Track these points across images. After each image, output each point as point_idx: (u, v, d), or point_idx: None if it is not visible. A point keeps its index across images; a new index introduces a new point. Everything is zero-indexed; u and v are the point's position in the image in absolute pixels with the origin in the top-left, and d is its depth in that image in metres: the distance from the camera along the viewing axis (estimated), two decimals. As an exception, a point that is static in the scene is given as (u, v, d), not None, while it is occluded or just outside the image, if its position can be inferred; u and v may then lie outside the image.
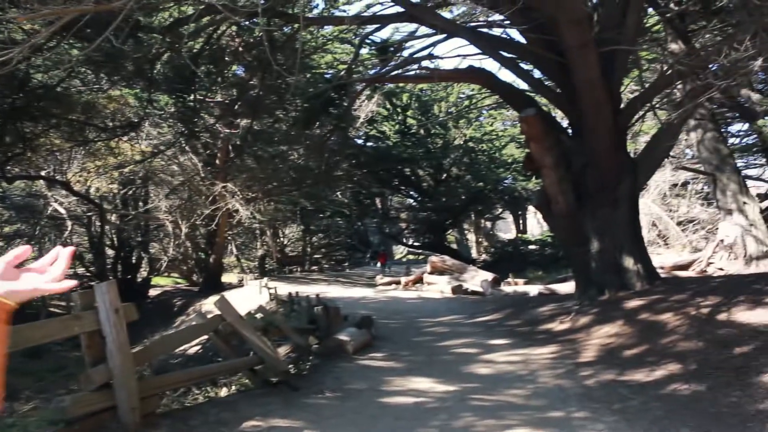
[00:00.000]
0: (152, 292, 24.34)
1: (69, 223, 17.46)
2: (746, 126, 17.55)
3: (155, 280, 26.47)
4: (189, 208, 19.96)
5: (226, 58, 13.43)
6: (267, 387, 7.02)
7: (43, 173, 16.76)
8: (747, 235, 14.65)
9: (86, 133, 14.72)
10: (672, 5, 10.49)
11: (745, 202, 14.73)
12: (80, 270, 23.00)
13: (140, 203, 21.87)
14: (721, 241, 15.70)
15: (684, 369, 6.46)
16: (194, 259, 23.75)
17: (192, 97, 13.24)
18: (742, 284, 8.78)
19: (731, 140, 18.53)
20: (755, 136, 14.05)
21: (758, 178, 20.77)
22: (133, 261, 23.47)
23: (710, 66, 8.42)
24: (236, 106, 14.45)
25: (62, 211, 16.93)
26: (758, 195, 17.74)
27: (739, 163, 17.91)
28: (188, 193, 20.28)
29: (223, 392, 7.40)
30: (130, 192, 21.42)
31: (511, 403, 6.16)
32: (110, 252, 22.76)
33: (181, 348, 9.67)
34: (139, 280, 23.73)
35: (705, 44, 10.38)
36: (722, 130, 16.98)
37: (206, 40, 12.67)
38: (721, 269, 15.48)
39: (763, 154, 16.35)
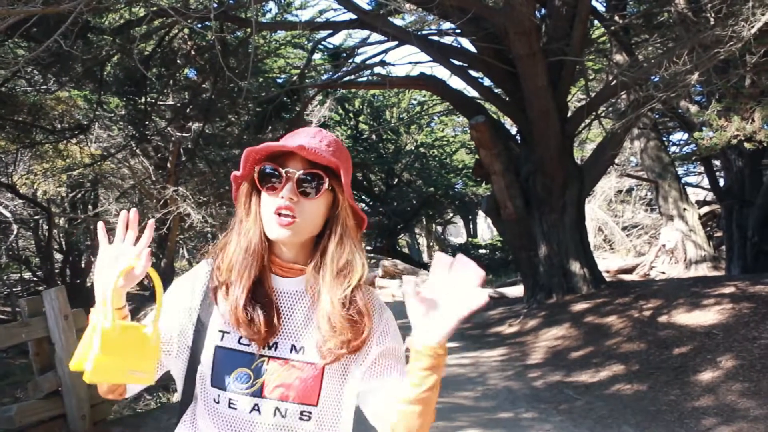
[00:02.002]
0: (100, 298, 23.83)
1: (15, 226, 16.96)
2: (686, 136, 18.19)
3: (103, 285, 25.90)
4: (140, 212, 19.58)
5: (178, 62, 13.29)
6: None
7: (-14, 175, 16.29)
8: (687, 240, 15.15)
9: (33, 135, 14.34)
10: (617, 18, 10.82)
11: (685, 209, 15.24)
12: (27, 275, 22.36)
13: (90, 207, 21.39)
14: (663, 245, 16.19)
15: (627, 369, 6.71)
16: (144, 263, 23.35)
17: (143, 99, 13.05)
18: (681, 287, 9.11)
19: (672, 149, 19.14)
20: (694, 145, 14.52)
21: (697, 186, 21.51)
22: (82, 265, 22.89)
23: (652, 78, 8.73)
24: (188, 110, 14.29)
25: (7, 214, 16.41)
26: (697, 202, 18.36)
27: (680, 171, 18.48)
28: (139, 197, 19.92)
29: (175, 398, 7.36)
30: (79, 195, 20.94)
31: (461, 405, 6.30)
32: (58, 256, 22.16)
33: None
34: (88, 284, 23.17)
35: (647, 57, 10.74)
36: (664, 139, 17.54)
37: (158, 42, 12.54)
38: (663, 273, 15.98)
39: (701, 163, 16.91)
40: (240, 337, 1.34)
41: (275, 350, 1.34)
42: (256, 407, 1.32)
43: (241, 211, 1.40)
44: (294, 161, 1.34)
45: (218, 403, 1.35)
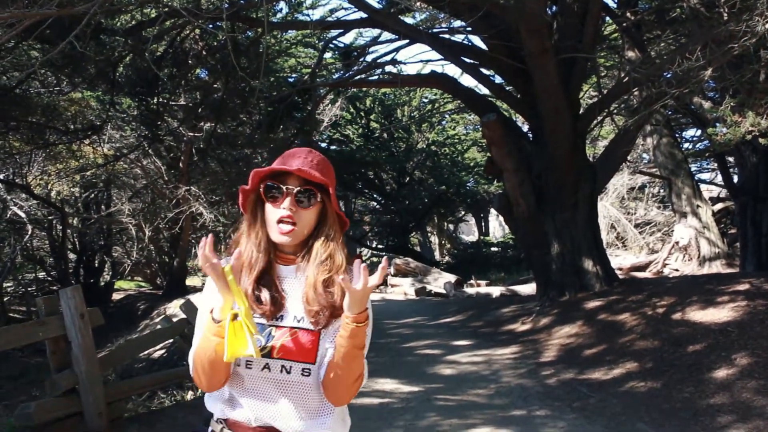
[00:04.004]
0: (115, 296, 23.96)
1: (29, 227, 17.08)
2: (699, 132, 18.08)
3: (118, 284, 26.04)
4: (152, 211, 19.72)
5: (190, 62, 13.34)
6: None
7: (1, 176, 16.40)
8: (700, 237, 15.07)
9: (47, 136, 14.45)
10: (628, 15, 10.76)
11: (698, 205, 15.15)
12: (41, 275, 22.53)
13: (102, 207, 21.51)
14: (677, 242, 16.11)
15: (640, 367, 6.69)
16: (158, 262, 23.45)
17: (155, 100, 13.12)
18: (695, 284, 9.06)
19: (685, 145, 19.01)
20: (707, 141, 14.45)
21: (710, 182, 21.39)
22: (96, 265, 23.05)
23: (664, 74, 8.68)
24: (200, 110, 14.35)
25: (22, 214, 16.55)
26: (711, 198, 18.25)
27: (693, 167, 18.40)
28: (151, 197, 20.04)
29: (189, 395, 7.41)
30: (92, 195, 21.08)
31: (474, 402, 6.30)
32: (72, 256, 22.32)
33: (146, 352, 9.61)
34: (102, 284, 23.33)
35: (660, 53, 10.68)
36: (677, 135, 17.45)
37: (169, 43, 12.59)
38: (676, 270, 15.90)
39: (714, 159, 16.81)
40: (254, 312, 1.67)
41: (281, 321, 1.70)
42: (266, 366, 1.67)
43: (250, 217, 1.78)
44: (292, 179, 1.73)
45: (238, 365, 1.69)
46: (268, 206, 1.73)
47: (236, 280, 1.61)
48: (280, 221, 1.70)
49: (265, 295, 1.70)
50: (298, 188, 1.71)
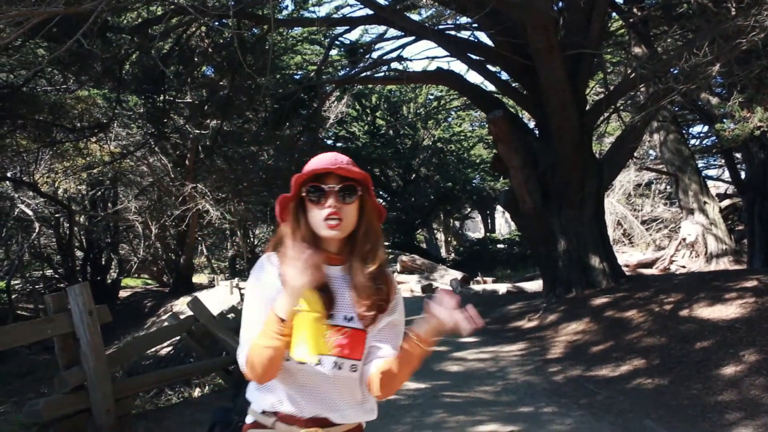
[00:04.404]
0: (122, 294, 24.07)
1: (36, 224, 17.17)
2: (706, 128, 18.00)
3: (125, 282, 26.17)
4: (159, 209, 19.80)
5: (196, 59, 13.37)
6: (241, 387, 7.06)
7: (9, 174, 16.48)
8: (707, 233, 15.01)
9: (53, 134, 14.50)
10: (635, 10, 10.71)
11: (705, 202, 15.09)
12: (48, 272, 22.64)
13: (109, 204, 21.61)
14: (683, 239, 16.06)
15: (648, 364, 6.67)
16: (164, 260, 23.55)
17: (161, 97, 13.15)
18: (702, 281, 9.03)
19: (692, 142, 18.95)
20: (714, 138, 14.41)
21: (718, 179, 21.28)
22: (103, 262, 23.17)
23: (671, 70, 8.64)
24: (206, 107, 14.37)
25: (29, 212, 16.64)
26: (718, 195, 18.18)
27: (700, 163, 18.33)
28: (158, 194, 20.11)
29: (196, 393, 7.43)
30: (99, 193, 21.17)
31: (481, 399, 6.30)
32: (79, 254, 22.42)
33: (152, 349, 9.64)
34: (109, 281, 23.45)
35: (667, 49, 10.63)
36: (684, 131, 17.37)
37: (175, 41, 12.61)
38: (683, 267, 15.85)
39: (721, 156, 16.74)
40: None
41: (332, 320, 1.78)
42: (320, 362, 1.74)
43: (293, 223, 1.84)
44: (331, 179, 1.79)
45: (288, 361, 1.73)
46: (312, 208, 1.80)
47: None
48: (326, 218, 1.77)
49: (318, 295, 1.77)
50: (340, 185, 1.79)
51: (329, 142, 26.31)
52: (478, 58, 12.25)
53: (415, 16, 14.12)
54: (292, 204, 1.86)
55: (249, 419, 1.88)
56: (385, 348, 1.86)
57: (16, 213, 17.23)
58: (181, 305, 17.09)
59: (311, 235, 1.82)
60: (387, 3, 12.83)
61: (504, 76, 13.35)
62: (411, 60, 24.77)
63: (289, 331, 1.67)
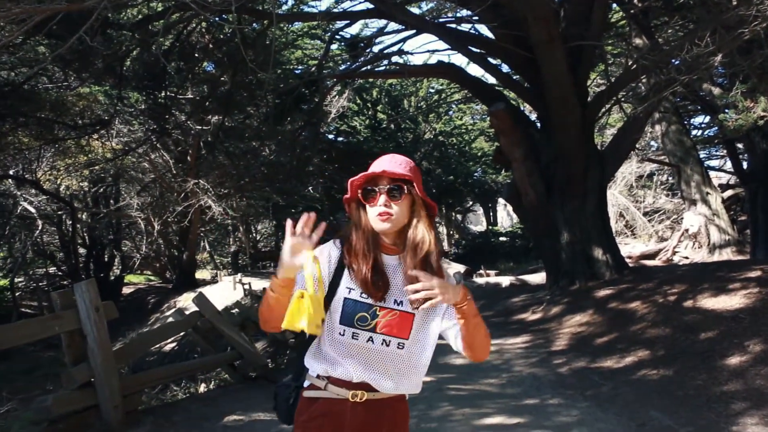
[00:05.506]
0: (125, 290, 24.15)
1: (39, 222, 17.19)
2: (708, 119, 17.97)
3: (128, 278, 26.26)
4: (161, 205, 19.84)
5: (197, 55, 13.36)
6: (246, 382, 7.10)
7: (11, 172, 16.49)
8: (710, 224, 15.01)
9: (55, 132, 14.51)
10: (636, 1, 10.69)
11: (708, 193, 15.09)
12: (52, 269, 22.67)
13: (111, 201, 21.64)
14: (686, 230, 16.06)
15: (652, 355, 6.68)
16: (167, 256, 23.59)
17: (163, 93, 13.14)
18: (706, 272, 9.03)
19: (694, 132, 18.93)
20: (716, 128, 14.42)
21: (720, 169, 21.28)
22: (106, 259, 23.23)
23: (673, 61, 8.63)
24: (207, 103, 14.36)
25: (32, 210, 16.67)
26: (720, 185, 18.17)
27: (702, 154, 18.31)
28: (160, 191, 20.13)
29: (202, 388, 7.46)
30: (101, 190, 21.17)
31: (486, 391, 6.32)
32: (82, 250, 22.46)
33: (157, 345, 9.67)
34: (112, 278, 23.50)
35: (668, 40, 10.61)
36: (685, 122, 17.35)
37: (176, 37, 12.60)
38: (686, 258, 15.86)
39: (723, 146, 16.72)
40: (361, 292, 2.06)
41: (384, 302, 2.06)
42: (370, 339, 2.05)
43: (357, 218, 2.12)
44: (382, 180, 2.08)
45: (342, 335, 2.06)
46: (369, 206, 2.09)
47: (318, 269, 1.88)
48: (378, 215, 2.05)
49: (375, 279, 2.05)
50: (389, 186, 2.06)
51: (330, 136, 26.30)
52: (479, 50, 12.23)
53: (415, 10, 14.10)
54: (353, 203, 2.15)
55: (306, 383, 2.16)
56: (452, 322, 2.13)
57: (18, 211, 17.26)
58: (185, 301, 17.14)
59: (371, 228, 2.10)
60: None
61: (505, 68, 13.32)
62: (412, 53, 24.68)
63: (280, 291, 1.89)
